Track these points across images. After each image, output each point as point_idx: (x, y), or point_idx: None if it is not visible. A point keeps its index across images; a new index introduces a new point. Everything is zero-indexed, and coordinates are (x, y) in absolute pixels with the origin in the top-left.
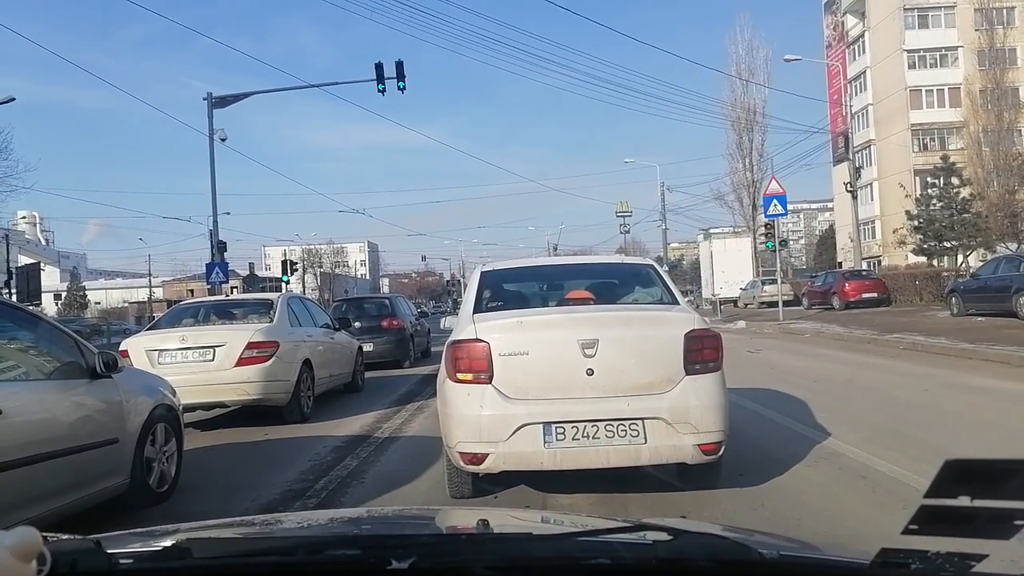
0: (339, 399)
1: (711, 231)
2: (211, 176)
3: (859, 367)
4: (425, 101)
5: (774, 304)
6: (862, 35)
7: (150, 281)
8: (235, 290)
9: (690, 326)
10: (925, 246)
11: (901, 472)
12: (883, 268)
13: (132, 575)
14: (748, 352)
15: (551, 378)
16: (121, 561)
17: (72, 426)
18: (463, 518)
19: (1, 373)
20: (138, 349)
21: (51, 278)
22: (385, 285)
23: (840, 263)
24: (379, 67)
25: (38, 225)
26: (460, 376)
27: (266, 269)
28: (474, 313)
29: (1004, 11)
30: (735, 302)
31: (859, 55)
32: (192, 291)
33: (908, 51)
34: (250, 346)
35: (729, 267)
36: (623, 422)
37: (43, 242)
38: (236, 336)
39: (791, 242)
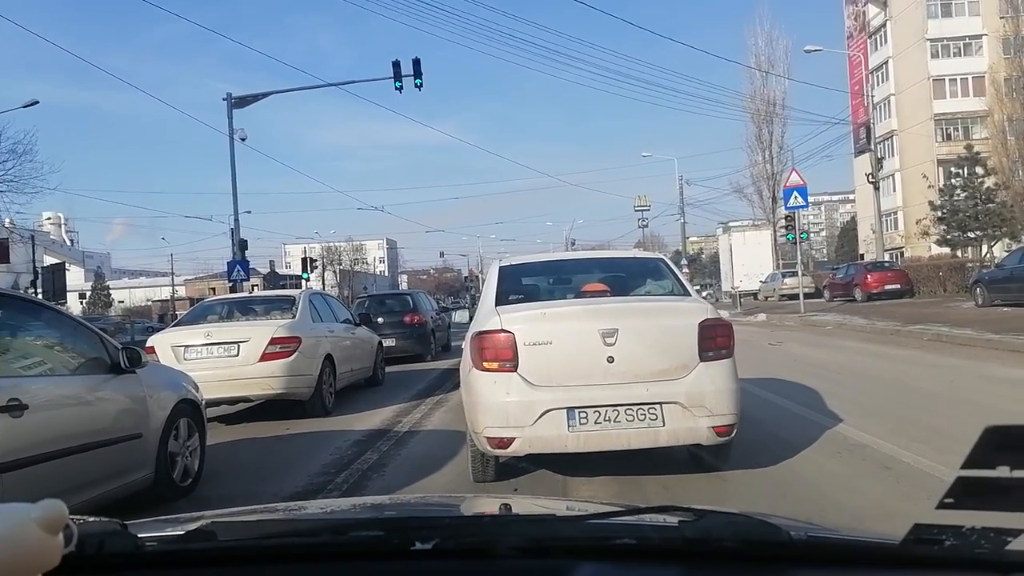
0: (360, 393)
1: (730, 224)
2: (232, 175)
3: (882, 359)
4: (443, 98)
5: (795, 297)
6: (884, 25)
7: (172, 280)
8: (255, 288)
9: (704, 316)
10: (949, 237)
11: (927, 463)
12: (906, 259)
13: (158, 557)
14: (769, 344)
15: (573, 366)
16: (147, 544)
17: (97, 421)
18: (485, 503)
19: (27, 368)
20: (164, 345)
21: (76, 277)
22: (404, 282)
23: (862, 255)
24: (396, 65)
25: (63, 226)
26: (486, 365)
27: (286, 267)
28: (496, 305)
29: None
30: (755, 295)
31: (881, 45)
32: (214, 289)
33: (931, 40)
34: (273, 341)
35: (749, 260)
36: (642, 406)
37: (68, 242)
38: (260, 332)
39: (812, 234)
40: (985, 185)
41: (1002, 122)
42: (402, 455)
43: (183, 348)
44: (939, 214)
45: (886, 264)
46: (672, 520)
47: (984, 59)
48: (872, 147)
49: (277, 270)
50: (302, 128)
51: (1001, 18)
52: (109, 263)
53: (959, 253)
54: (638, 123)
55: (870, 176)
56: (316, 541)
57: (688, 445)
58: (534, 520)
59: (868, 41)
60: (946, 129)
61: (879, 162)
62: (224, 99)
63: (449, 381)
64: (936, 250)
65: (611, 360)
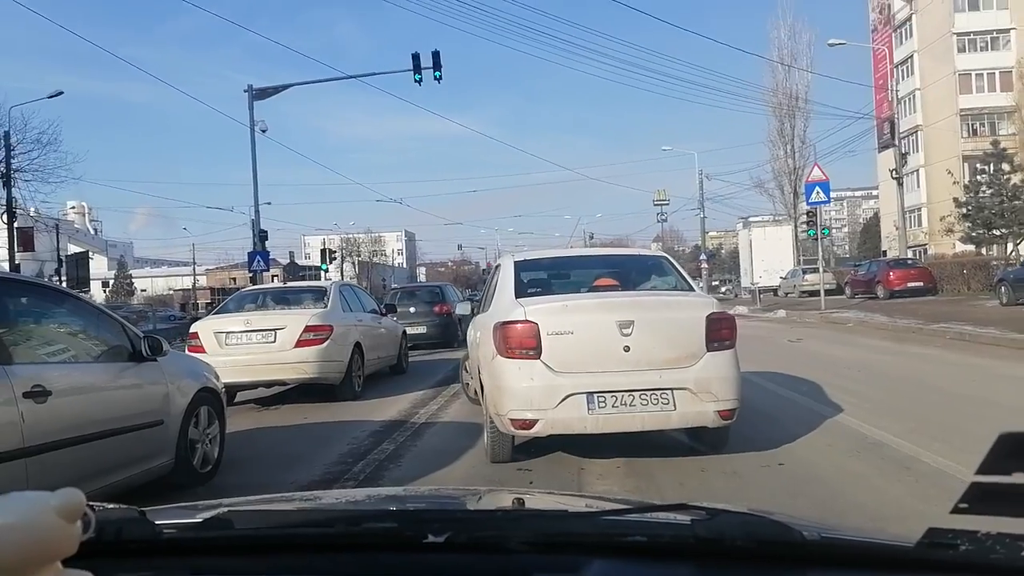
0: (386, 380)
1: (750, 219)
2: (252, 166)
3: (904, 357)
4: (462, 91)
5: (815, 293)
6: (909, 18)
7: (194, 269)
8: (275, 278)
9: (711, 309)
10: (973, 234)
11: (947, 463)
12: (929, 257)
13: (175, 544)
14: (789, 341)
15: (593, 354)
16: (165, 531)
17: (118, 407)
18: (499, 497)
19: (51, 355)
20: (207, 331)
21: (99, 266)
22: (422, 274)
23: (885, 251)
24: (416, 57)
25: (87, 215)
26: (511, 352)
27: (306, 258)
28: (517, 297)
29: None
30: (775, 291)
31: (906, 39)
32: (235, 279)
33: (958, 34)
34: (307, 329)
35: (769, 256)
36: (655, 392)
37: (91, 231)
38: (295, 320)
39: (833, 230)
40: (1011, 182)
41: None
42: (418, 446)
43: (224, 334)
44: (964, 211)
45: (909, 261)
46: (685, 519)
47: (1012, 54)
48: (896, 142)
49: (297, 261)
50: (322, 120)
51: None
52: (132, 252)
53: (984, 251)
54: (658, 117)
55: (894, 172)
56: (330, 531)
57: (688, 431)
58: (547, 516)
59: (893, 35)
60: (972, 124)
61: (903, 158)
62: (245, 91)
63: None
64: (960, 247)
65: (627, 349)
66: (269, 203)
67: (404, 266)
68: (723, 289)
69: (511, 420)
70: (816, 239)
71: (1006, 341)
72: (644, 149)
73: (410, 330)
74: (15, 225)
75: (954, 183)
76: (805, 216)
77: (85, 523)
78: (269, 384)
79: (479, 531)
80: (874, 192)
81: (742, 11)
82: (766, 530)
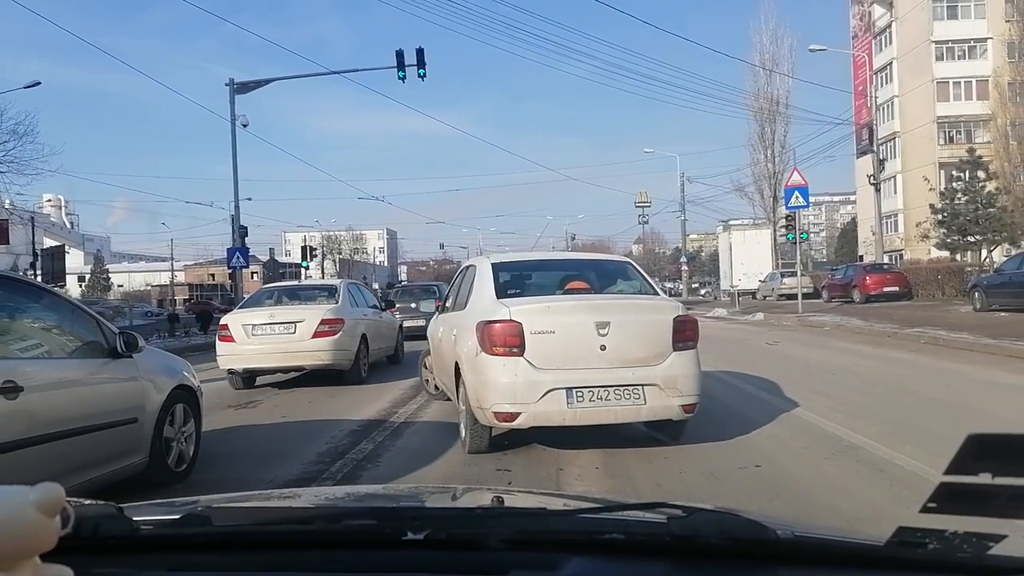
0: (384, 368)
1: (731, 222)
2: (233, 162)
3: (879, 361)
4: (445, 89)
5: (793, 296)
6: (889, 26)
7: (172, 265)
8: (255, 276)
9: (677, 312)
10: (948, 240)
11: (921, 467)
12: (905, 262)
13: (153, 540)
14: (766, 344)
15: (572, 352)
16: (143, 527)
17: (92, 404)
18: (478, 495)
19: (24, 351)
20: (236, 323)
21: (75, 260)
22: (403, 272)
23: (861, 256)
24: (399, 54)
25: (63, 208)
26: (496, 350)
27: (286, 255)
28: (499, 298)
29: None
30: (754, 294)
31: (885, 46)
32: (213, 275)
33: (936, 42)
34: (323, 322)
35: (748, 259)
36: (628, 387)
37: (68, 225)
38: (312, 314)
39: (812, 235)
40: (986, 189)
41: (1005, 126)
42: (414, 428)
43: (251, 326)
44: (939, 217)
45: (885, 266)
46: (661, 517)
47: (988, 62)
48: (874, 148)
49: (277, 258)
50: (304, 116)
51: (1007, 22)
52: (109, 247)
53: (958, 257)
54: (641, 119)
55: (871, 177)
56: (310, 528)
57: (649, 423)
58: (526, 513)
59: (873, 42)
60: (949, 132)
61: (881, 164)
62: (226, 84)
63: None
64: (936, 253)
65: (603, 348)
66: (250, 199)
67: (386, 264)
68: (702, 292)
69: (495, 413)
70: (795, 243)
71: (979, 346)
72: (627, 151)
73: (411, 323)
74: None
75: (930, 190)
76: (784, 220)
77: (64, 518)
78: (288, 370)
79: (458, 528)
80: (852, 197)
81: (725, 15)
82: (740, 528)
